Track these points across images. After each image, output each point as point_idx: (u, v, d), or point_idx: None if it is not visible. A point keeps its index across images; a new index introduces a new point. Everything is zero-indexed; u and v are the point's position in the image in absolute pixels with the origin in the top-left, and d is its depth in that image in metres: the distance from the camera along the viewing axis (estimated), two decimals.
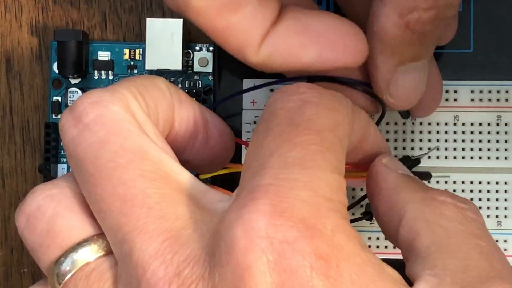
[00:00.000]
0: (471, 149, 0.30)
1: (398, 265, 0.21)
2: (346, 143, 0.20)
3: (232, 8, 0.21)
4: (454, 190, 0.30)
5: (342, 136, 0.20)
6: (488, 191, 0.30)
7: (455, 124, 0.30)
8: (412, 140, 0.30)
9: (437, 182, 0.30)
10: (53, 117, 0.33)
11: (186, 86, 0.33)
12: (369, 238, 0.30)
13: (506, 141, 0.30)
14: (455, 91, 0.30)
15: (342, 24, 0.23)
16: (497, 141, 0.30)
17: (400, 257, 0.21)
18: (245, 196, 0.18)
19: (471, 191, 0.30)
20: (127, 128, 0.19)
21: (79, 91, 0.33)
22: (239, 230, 0.17)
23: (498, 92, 0.30)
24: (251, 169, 0.18)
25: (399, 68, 0.25)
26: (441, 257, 0.19)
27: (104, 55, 0.33)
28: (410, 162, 0.28)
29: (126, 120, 0.19)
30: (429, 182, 0.30)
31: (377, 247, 0.30)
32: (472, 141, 0.30)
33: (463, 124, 0.30)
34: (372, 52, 0.24)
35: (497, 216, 0.30)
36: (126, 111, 0.20)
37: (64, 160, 0.33)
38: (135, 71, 0.33)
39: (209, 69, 0.32)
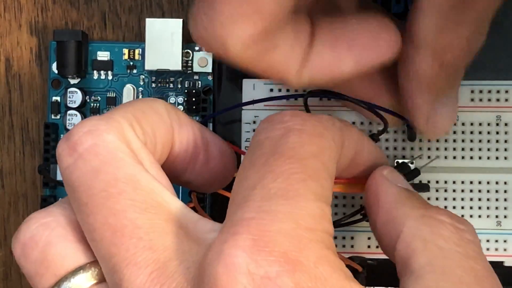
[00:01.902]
0: (471, 149, 0.30)
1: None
2: (333, 168, 0.20)
3: (270, 48, 0.21)
4: (454, 190, 0.30)
5: (327, 161, 0.20)
6: (488, 191, 0.30)
7: (455, 124, 0.30)
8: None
9: (437, 182, 0.30)
10: (53, 117, 0.33)
11: (186, 86, 0.33)
12: (369, 238, 0.30)
13: (506, 141, 0.30)
14: None
15: (370, 23, 0.23)
16: (497, 141, 0.30)
17: None
18: (227, 230, 0.18)
19: (471, 191, 0.30)
20: (121, 157, 0.19)
21: (79, 91, 0.32)
22: (220, 267, 0.17)
23: (498, 92, 0.30)
24: (235, 202, 0.18)
25: (436, 103, 0.25)
26: (435, 279, 0.19)
27: (103, 55, 0.33)
28: (409, 172, 0.28)
29: (120, 149, 0.19)
30: (428, 182, 0.30)
31: (377, 247, 0.30)
32: (472, 141, 0.30)
33: (463, 124, 0.30)
34: (410, 92, 0.25)
35: (497, 216, 0.30)
36: (121, 139, 0.20)
37: None
38: (135, 71, 0.33)
39: (209, 69, 0.32)
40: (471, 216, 0.30)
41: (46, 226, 0.20)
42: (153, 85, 0.33)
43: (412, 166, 0.29)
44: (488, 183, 0.30)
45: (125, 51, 0.33)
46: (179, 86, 0.33)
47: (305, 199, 0.18)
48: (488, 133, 0.30)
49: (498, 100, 0.30)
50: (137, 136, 0.20)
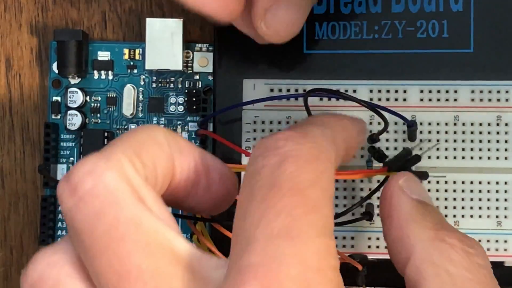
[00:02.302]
0: (471, 149, 0.30)
1: None
2: (332, 188, 0.20)
3: None
4: (454, 190, 0.30)
5: (326, 184, 0.19)
6: (488, 191, 0.30)
7: (455, 124, 0.30)
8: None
9: (437, 182, 0.30)
10: (53, 117, 0.33)
11: (186, 86, 0.33)
12: (369, 238, 0.30)
13: (506, 141, 0.30)
14: (455, 91, 0.30)
15: None
16: (497, 141, 0.30)
17: None
18: (235, 278, 0.17)
19: (471, 191, 0.30)
20: (122, 198, 0.19)
21: (79, 91, 0.32)
22: None
23: (498, 92, 0.30)
24: (239, 242, 0.18)
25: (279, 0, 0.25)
26: None
27: (103, 55, 0.33)
28: (410, 158, 0.28)
29: (121, 189, 0.19)
30: (428, 182, 0.30)
31: (377, 247, 0.30)
32: (472, 141, 0.30)
33: (463, 124, 0.30)
34: None
35: (497, 216, 0.30)
36: (121, 178, 0.19)
37: (64, 160, 0.33)
38: (135, 71, 0.33)
39: (209, 69, 0.32)
40: (471, 216, 0.30)
41: (54, 264, 0.20)
42: (154, 85, 0.33)
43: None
44: (488, 183, 0.30)
45: (126, 51, 0.33)
46: (180, 86, 0.33)
47: (309, 237, 0.18)
48: (488, 133, 0.30)
49: (498, 100, 0.30)
50: (138, 172, 0.20)
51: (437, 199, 0.30)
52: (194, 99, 0.32)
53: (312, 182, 0.19)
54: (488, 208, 0.30)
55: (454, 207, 0.30)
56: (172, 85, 0.33)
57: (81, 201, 0.19)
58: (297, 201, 0.18)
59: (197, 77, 0.32)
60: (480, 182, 0.30)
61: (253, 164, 0.20)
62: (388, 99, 0.30)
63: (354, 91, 0.30)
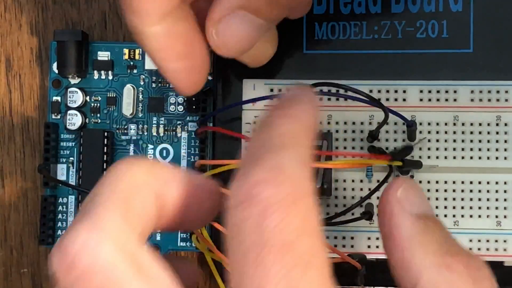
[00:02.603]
0: (471, 149, 0.30)
1: None
2: (318, 226, 0.19)
3: None
4: (454, 190, 0.30)
5: (313, 226, 0.19)
6: (488, 191, 0.30)
7: (455, 124, 0.30)
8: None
9: (437, 182, 0.30)
10: (53, 117, 0.33)
11: None
12: (369, 238, 0.30)
13: (506, 141, 0.30)
14: (455, 91, 0.30)
15: None
16: (497, 141, 0.30)
17: None
18: None
19: (471, 191, 0.30)
20: (122, 273, 0.19)
21: (79, 91, 0.33)
22: None
23: (498, 92, 0.30)
24: None
25: (235, 12, 0.25)
26: None
27: (103, 55, 0.33)
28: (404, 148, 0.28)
29: (119, 263, 0.19)
30: (428, 182, 0.30)
31: (377, 247, 0.30)
32: (472, 141, 0.30)
33: (463, 124, 0.30)
34: None
35: (496, 216, 0.30)
36: (118, 249, 0.19)
37: (64, 160, 0.33)
38: (135, 71, 0.33)
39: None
40: (470, 216, 0.30)
41: None
42: (153, 85, 0.33)
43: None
44: (488, 183, 0.30)
45: (126, 51, 0.33)
46: None
47: None
48: (488, 133, 0.30)
49: (498, 100, 0.30)
50: (132, 233, 0.20)
51: (437, 199, 0.30)
52: (193, 99, 0.32)
53: (300, 230, 0.18)
54: (487, 208, 0.30)
55: (454, 207, 0.30)
56: (171, 85, 0.33)
57: (80, 279, 0.19)
58: (291, 259, 0.18)
59: None
60: (479, 182, 0.30)
61: (234, 216, 0.19)
62: (388, 99, 0.30)
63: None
